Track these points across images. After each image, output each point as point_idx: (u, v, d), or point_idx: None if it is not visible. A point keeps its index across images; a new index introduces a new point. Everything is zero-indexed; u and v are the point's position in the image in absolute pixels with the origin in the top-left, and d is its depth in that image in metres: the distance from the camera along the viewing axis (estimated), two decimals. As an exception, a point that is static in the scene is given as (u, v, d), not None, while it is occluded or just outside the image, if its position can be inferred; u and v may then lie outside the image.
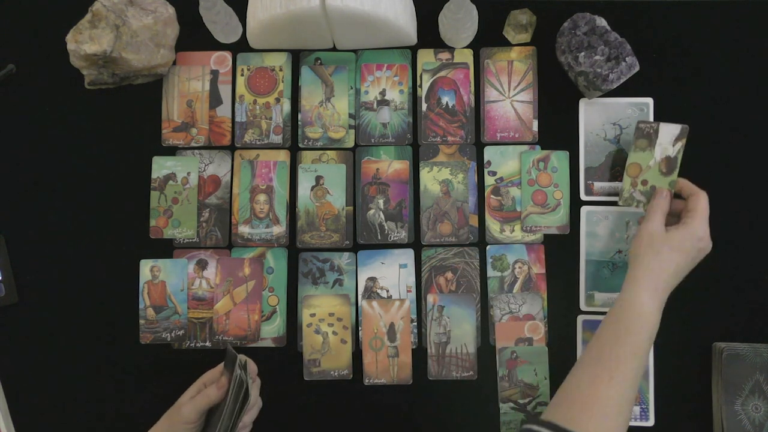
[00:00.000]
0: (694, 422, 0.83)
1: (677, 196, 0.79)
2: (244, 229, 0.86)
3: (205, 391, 0.71)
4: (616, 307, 0.70)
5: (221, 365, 0.75)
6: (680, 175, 0.79)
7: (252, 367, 0.75)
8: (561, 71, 0.86)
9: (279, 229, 0.86)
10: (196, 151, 0.88)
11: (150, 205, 0.86)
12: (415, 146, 0.88)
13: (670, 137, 0.80)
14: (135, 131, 0.88)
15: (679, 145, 0.79)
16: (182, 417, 0.70)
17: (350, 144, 0.88)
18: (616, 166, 0.86)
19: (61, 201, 0.87)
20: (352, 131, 0.88)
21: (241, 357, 0.72)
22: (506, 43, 0.89)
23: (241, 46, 0.89)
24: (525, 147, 0.87)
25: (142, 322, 0.84)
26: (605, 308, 0.84)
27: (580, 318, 0.84)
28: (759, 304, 0.84)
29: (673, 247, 0.72)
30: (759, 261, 0.85)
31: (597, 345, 0.69)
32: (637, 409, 0.83)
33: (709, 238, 0.74)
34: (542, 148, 0.87)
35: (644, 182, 0.80)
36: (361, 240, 0.86)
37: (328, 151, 0.88)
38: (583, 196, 0.86)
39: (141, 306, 0.85)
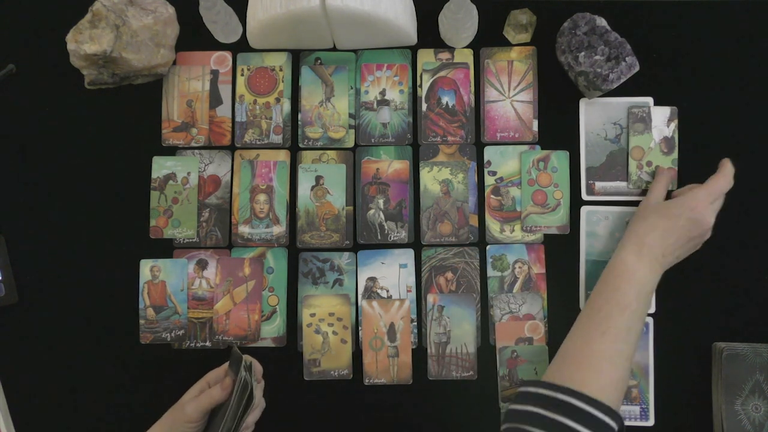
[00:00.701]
0: (694, 422, 0.83)
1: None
2: (244, 229, 0.86)
3: (208, 391, 0.71)
4: (605, 270, 0.73)
5: (226, 364, 0.75)
6: (681, 158, 0.85)
7: (258, 367, 0.75)
8: (561, 71, 0.86)
9: (279, 229, 0.86)
10: (196, 151, 0.88)
11: (150, 205, 0.86)
12: (415, 146, 0.88)
13: (663, 118, 0.85)
14: (135, 131, 0.88)
15: (673, 125, 0.85)
16: (185, 416, 0.70)
17: (350, 144, 0.88)
18: (617, 165, 0.86)
19: (61, 201, 0.87)
20: (352, 131, 0.88)
21: (247, 358, 0.72)
22: (506, 43, 0.89)
23: (241, 46, 0.89)
24: (525, 147, 0.87)
25: (142, 322, 0.84)
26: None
27: (580, 318, 0.84)
28: (759, 304, 0.84)
29: (660, 213, 0.74)
30: (759, 261, 0.85)
31: (588, 307, 0.71)
32: (637, 409, 0.83)
33: (706, 211, 0.74)
34: (542, 148, 0.87)
35: (648, 163, 0.85)
36: (361, 240, 0.86)
37: (328, 151, 0.88)
38: (585, 196, 0.86)
39: (141, 306, 0.85)
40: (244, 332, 0.84)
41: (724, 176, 0.77)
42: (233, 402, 0.70)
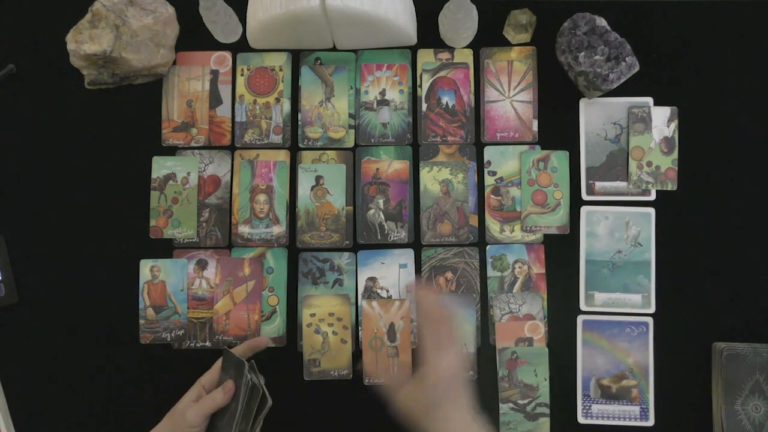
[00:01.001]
0: (694, 422, 0.83)
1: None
2: (244, 229, 0.86)
3: (210, 395, 0.71)
4: None
5: (218, 366, 0.74)
6: (681, 158, 0.85)
7: (259, 343, 0.77)
8: (561, 71, 0.86)
9: (279, 229, 0.86)
10: (196, 151, 0.88)
11: (150, 205, 0.86)
12: (415, 146, 0.88)
13: (663, 118, 0.85)
14: (135, 131, 0.88)
15: (673, 125, 0.85)
16: (187, 421, 0.69)
17: (350, 144, 0.88)
18: (617, 165, 0.86)
19: (62, 201, 0.87)
20: (352, 131, 0.88)
21: (254, 346, 0.73)
22: (506, 43, 0.89)
23: (241, 46, 0.89)
24: (525, 147, 0.87)
25: (142, 322, 0.84)
26: (605, 308, 0.84)
27: (580, 318, 0.84)
28: (759, 304, 0.84)
29: (441, 399, 0.66)
30: (759, 261, 0.85)
31: None
32: (637, 409, 0.83)
33: (451, 359, 0.67)
34: (542, 148, 0.87)
35: (649, 163, 0.85)
36: (361, 240, 0.86)
37: (328, 151, 0.88)
38: (585, 196, 0.86)
39: (141, 306, 0.85)
40: (244, 332, 0.84)
41: (444, 319, 0.69)
42: (241, 404, 0.69)
